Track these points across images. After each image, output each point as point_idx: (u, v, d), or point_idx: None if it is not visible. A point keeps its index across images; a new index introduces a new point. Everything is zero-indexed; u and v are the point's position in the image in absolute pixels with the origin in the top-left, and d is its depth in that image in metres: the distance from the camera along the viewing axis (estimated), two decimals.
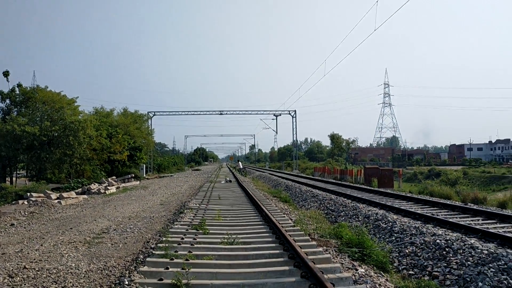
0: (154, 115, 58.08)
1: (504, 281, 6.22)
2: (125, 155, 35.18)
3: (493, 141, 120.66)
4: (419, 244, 8.67)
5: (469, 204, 16.26)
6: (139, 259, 7.50)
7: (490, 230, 9.47)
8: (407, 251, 8.55)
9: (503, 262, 6.81)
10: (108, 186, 25.32)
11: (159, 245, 7.99)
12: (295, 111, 62.95)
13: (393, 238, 9.75)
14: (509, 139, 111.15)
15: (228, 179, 32.13)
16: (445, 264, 7.37)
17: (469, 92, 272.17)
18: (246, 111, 64.81)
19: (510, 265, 6.66)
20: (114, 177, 32.51)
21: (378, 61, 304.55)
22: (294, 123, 63.16)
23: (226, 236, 8.66)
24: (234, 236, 8.64)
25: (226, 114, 63.44)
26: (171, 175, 47.85)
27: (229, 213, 12.79)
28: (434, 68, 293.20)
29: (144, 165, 43.32)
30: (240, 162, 50.98)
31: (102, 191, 22.91)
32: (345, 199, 17.05)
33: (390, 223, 10.94)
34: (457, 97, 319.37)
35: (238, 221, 11.00)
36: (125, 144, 35.58)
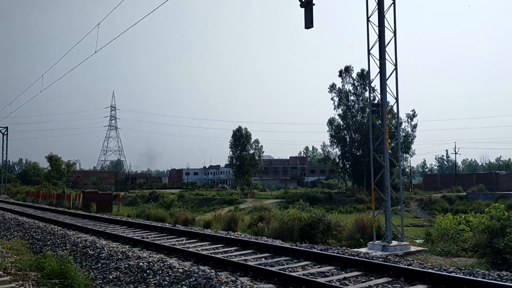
0: None
1: None
2: None
3: (207, 167, 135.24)
4: (124, 269, 8.79)
5: (177, 225, 17.59)
6: None
7: (190, 249, 10.48)
8: (111, 276, 8.53)
9: (193, 279, 7.56)
10: None
11: None
12: (6, 128, 55.97)
13: (99, 264, 9.60)
14: (219, 165, 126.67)
15: None
16: (145, 286, 7.69)
17: (187, 121, 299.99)
18: None
19: (199, 281, 7.46)
20: None
21: (105, 82, 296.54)
22: (5, 141, 56.14)
23: None
24: None
25: None
26: None
27: None
28: (158, 95, 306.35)
29: None
30: None
31: None
32: (55, 226, 15.91)
33: (99, 249, 10.75)
34: (178, 125, 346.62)
35: None
36: None
